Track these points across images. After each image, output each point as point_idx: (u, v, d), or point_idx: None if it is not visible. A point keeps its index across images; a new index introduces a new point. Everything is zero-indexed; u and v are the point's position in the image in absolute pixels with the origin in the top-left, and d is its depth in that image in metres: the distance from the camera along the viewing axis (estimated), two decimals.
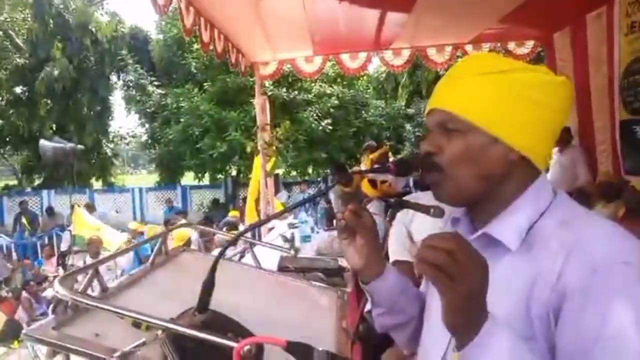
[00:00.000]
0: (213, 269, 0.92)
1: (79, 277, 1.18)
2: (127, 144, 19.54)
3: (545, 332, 0.72)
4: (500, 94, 0.78)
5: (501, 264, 0.78)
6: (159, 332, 0.81)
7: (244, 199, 9.84)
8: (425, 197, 2.33)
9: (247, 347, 0.69)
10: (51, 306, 5.28)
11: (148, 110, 14.33)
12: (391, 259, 2.49)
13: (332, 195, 5.67)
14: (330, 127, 12.45)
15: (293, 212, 7.77)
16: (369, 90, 14.16)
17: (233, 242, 1.02)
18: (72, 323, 0.93)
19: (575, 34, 4.76)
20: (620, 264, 0.69)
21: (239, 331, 0.92)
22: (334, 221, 5.04)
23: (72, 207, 11.51)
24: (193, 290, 1.03)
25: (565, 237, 0.73)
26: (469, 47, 5.34)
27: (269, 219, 1.27)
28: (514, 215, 0.79)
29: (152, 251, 1.46)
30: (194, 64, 13.64)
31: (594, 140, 4.51)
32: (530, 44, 5.33)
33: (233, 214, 7.78)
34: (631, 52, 4.00)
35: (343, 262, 3.34)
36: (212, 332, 0.83)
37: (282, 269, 2.90)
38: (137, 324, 0.86)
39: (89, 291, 1.04)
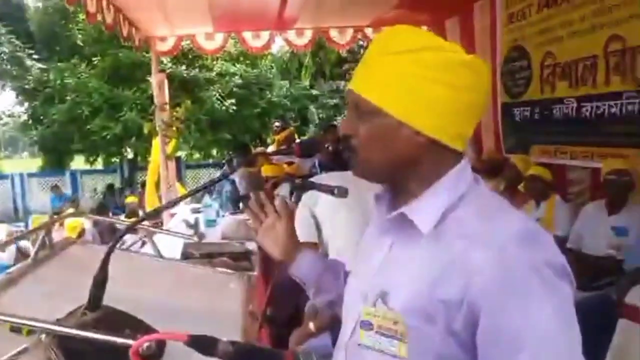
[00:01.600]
0: (105, 261, 0.84)
1: None
2: (3, 124, 17.42)
3: (447, 317, 0.71)
4: (404, 75, 0.77)
5: (413, 245, 0.79)
6: (43, 335, 0.72)
7: (143, 184, 9.31)
8: (330, 178, 2.37)
9: (146, 344, 0.64)
10: None
11: (27, 87, 12.83)
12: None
13: (236, 177, 5.57)
14: (234, 108, 12.13)
15: (196, 197, 7.52)
16: (272, 70, 14.00)
17: (128, 231, 0.94)
18: None
19: (464, 22, 5.11)
20: (540, 264, 0.69)
21: (138, 327, 0.87)
22: (240, 204, 5.02)
23: None
24: (84, 286, 0.95)
25: (480, 228, 0.74)
26: (368, 30, 5.49)
27: (170, 203, 1.20)
28: (430, 199, 0.79)
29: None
30: (80, 36, 12.43)
31: (479, 122, 4.90)
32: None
33: (131, 200, 7.33)
34: (510, 40, 4.39)
35: (250, 246, 3.30)
36: (105, 331, 0.76)
37: (187, 255, 2.79)
38: (16, 329, 0.76)
39: None
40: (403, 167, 0.81)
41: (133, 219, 5.65)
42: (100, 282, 0.83)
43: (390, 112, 0.77)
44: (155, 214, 1.46)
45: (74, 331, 0.74)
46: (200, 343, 0.61)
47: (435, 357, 0.72)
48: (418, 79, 0.76)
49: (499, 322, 0.68)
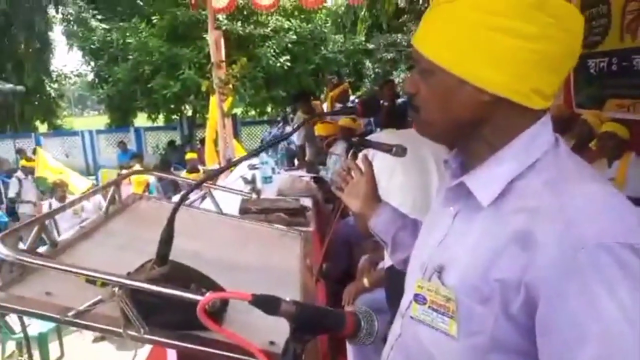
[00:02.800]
0: (171, 219, 0.87)
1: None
2: (72, 84, 18.40)
3: (503, 298, 0.65)
4: (461, 24, 0.68)
5: (475, 217, 0.72)
6: (116, 288, 0.76)
7: (202, 140, 9.60)
8: (387, 136, 2.32)
9: (212, 302, 0.66)
10: None
11: (92, 47, 13.34)
12: None
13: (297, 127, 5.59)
14: (288, 64, 12.07)
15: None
16: (327, 25, 13.68)
17: (192, 190, 0.96)
18: (21, 282, 0.87)
19: None
20: (613, 244, 0.59)
21: (202, 282, 0.89)
22: (295, 160, 5.06)
23: (19, 151, 10.93)
24: (151, 240, 0.98)
25: (548, 200, 0.65)
26: None
27: (231, 164, 1.22)
28: (495, 167, 0.71)
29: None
30: None
31: None
32: None
33: (190, 156, 7.59)
34: None
35: (305, 202, 3.35)
36: (173, 285, 0.80)
37: (244, 211, 2.88)
38: (91, 280, 0.81)
39: (41, 249, 0.98)
40: (467, 130, 0.73)
41: (194, 175, 5.88)
42: (166, 239, 0.86)
43: (447, 69, 0.69)
44: (218, 174, 1.51)
45: (145, 285, 0.77)
46: (263, 302, 0.61)
47: (488, 340, 0.66)
48: (478, 28, 0.66)
49: (560, 310, 0.60)
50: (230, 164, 1.13)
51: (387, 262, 2.31)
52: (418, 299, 0.75)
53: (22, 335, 3.43)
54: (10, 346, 3.59)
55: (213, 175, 0.98)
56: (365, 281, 2.54)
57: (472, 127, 0.72)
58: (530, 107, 0.69)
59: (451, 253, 0.74)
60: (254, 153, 1.06)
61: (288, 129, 9.10)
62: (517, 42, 0.65)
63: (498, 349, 0.66)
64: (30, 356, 2.97)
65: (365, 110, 0.90)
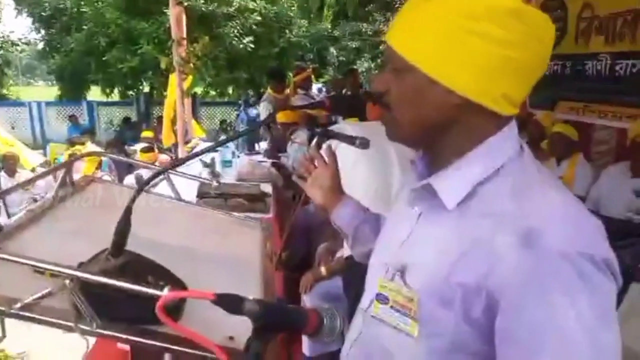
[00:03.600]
0: (128, 208, 0.83)
1: None
2: (20, 51, 17.30)
3: (464, 303, 0.65)
4: (436, 25, 0.67)
5: (438, 219, 0.73)
6: (67, 280, 0.72)
7: (159, 118, 9.29)
8: (351, 128, 2.32)
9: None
10: None
11: (43, 14, 12.58)
12: None
13: (262, 105, 5.52)
14: (252, 46, 11.83)
15: (211, 136, 7.49)
16: (293, 8, 13.49)
17: (154, 178, 0.93)
18: None
19: None
20: (574, 254, 0.60)
21: (159, 274, 0.86)
22: (255, 145, 4.98)
23: None
24: (105, 226, 0.94)
25: (511, 207, 0.65)
26: None
27: (198, 154, 1.18)
28: (461, 170, 0.71)
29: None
30: None
31: None
32: None
33: (146, 134, 7.33)
34: None
35: (265, 188, 3.32)
36: (130, 278, 0.76)
37: (202, 195, 2.82)
38: (40, 271, 0.76)
39: None
40: (435, 131, 0.72)
41: (149, 155, 5.70)
42: (123, 228, 0.82)
43: (419, 67, 0.68)
44: (182, 163, 1.46)
45: (100, 278, 0.74)
46: (227, 302, 0.60)
47: (449, 342, 0.67)
48: (454, 30, 0.66)
49: (519, 318, 0.60)
50: (197, 154, 1.08)
51: (346, 251, 2.34)
52: (380, 298, 0.76)
53: None
54: None
55: (177, 164, 0.94)
56: (323, 269, 2.55)
57: (440, 128, 0.72)
58: (498, 112, 0.69)
59: (414, 254, 0.74)
60: (223, 142, 1.01)
61: (251, 110, 8.96)
62: (492, 47, 0.65)
63: (458, 351, 0.67)
64: None
65: (335, 107, 0.88)
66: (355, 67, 9.90)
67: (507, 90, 0.68)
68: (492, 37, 0.65)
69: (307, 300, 2.53)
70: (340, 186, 1.06)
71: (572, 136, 3.57)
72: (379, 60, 11.63)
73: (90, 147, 6.19)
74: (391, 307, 0.73)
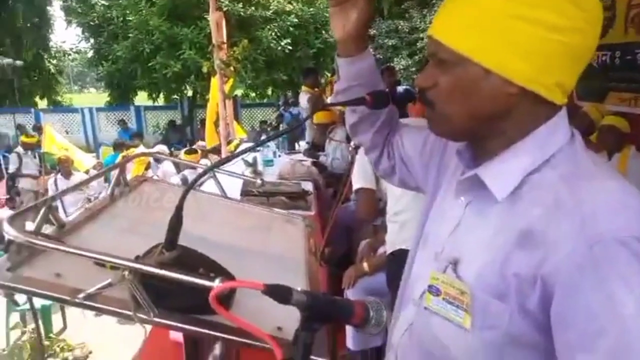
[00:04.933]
0: (180, 205, 0.87)
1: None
2: (71, 60, 18.21)
3: (520, 294, 0.65)
4: (491, 15, 0.66)
5: (488, 210, 0.72)
6: (126, 272, 0.77)
7: (202, 121, 9.55)
8: None
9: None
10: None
11: (91, 23, 13.19)
12: (355, 187, 2.51)
13: (301, 99, 5.58)
14: (289, 47, 11.96)
15: (254, 136, 7.62)
16: (329, 9, 13.51)
17: (201, 177, 0.96)
18: (29, 263, 0.87)
19: None
20: (629, 238, 0.59)
21: (210, 267, 0.90)
22: (296, 145, 5.05)
23: (19, 127, 10.88)
24: (156, 223, 0.99)
25: (564, 195, 0.64)
26: None
27: (242, 152, 1.22)
28: (511, 160, 0.70)
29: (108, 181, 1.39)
30: None
31: None
32: None
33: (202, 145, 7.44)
34: None
35: (306, 186, 3.36)
36: (183, 271, 0.80)
37: (246, 193, 2.89)
38: (101, 263, 0.81)
39: (46, 228, 0.98)
40: (486, 123, 0.71)
41: (192, 156, 5.87)
42: (175, 224, 0.86)
43: (474, 59, 0.67)
44: (226, 161, 1.50)
45: (156, 270, 0.78)
46: (276, 292, 0.62)
47: (503, 335, 0.67)
48: (506, 17, 0.65)
49: (576, 303, 0.60)
50: (241, 152, 1.12)
51: (388, 247, 2.33)
52: (432, 290, 0.76)
53: (25, 307, 3.47)
54: (14, 318, 3.64)
55: (221, 163, 0.98)
56: (365, 265, 2.56)
57: (493, 120, 0.71)
58: (551, 101, 0.68)
59: (465, 246, 0.74)
60: (261, 143, 1.03)
61: (292, 110, 9.07)
62: (548, 34, 0.64)
63: (513, 343, 0.67)
64: (38, 328, 3.02)
65: (375, 103, 0.89)
66: (392, 65, 9.79)
67: (561, 78, 0.68)
68: (548, 23, 0.64)
69: (350, 296, 2.55)
70: (366, 33, 0.97)
71: (623, 128, 3.41)
72: (416, 58, 11.47)
73: (141, 149, 6.46)
74: (443, 299, 0.73)
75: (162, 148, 6.35)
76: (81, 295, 0.78)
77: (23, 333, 3.58)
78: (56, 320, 3.87)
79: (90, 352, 3.52)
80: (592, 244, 0.59)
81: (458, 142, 0.83)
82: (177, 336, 1.17)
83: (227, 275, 0.90)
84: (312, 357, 0.68)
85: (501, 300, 0.66)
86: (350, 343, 2.50)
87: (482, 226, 0.72)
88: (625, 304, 0.58)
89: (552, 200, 0.65)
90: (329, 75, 6.74)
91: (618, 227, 0.60)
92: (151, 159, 5.78)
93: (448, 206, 0.83)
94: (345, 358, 2.57)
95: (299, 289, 0.65)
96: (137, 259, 0.84)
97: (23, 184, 7.02)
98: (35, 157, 7.12)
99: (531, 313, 0.64)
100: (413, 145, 1.00)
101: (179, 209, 0.86)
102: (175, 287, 0.80)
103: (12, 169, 7.21)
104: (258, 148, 4.31)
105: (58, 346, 3.53)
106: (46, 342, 3.53)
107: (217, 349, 1.03)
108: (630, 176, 3.33)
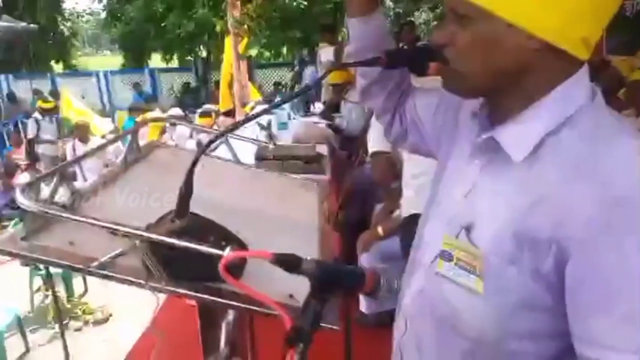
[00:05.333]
0: (190, 172, 0.86)
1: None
2: (85, 22, 18.11)
3: (534, 258, 0.65)
4: None
5: (504, 173, 0.70)
6: (137, 240, 0.77)
7: (217, 83, 9.47)
8: None
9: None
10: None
11: None
12: (371, 150, 2.48)
13: (323, 55, 5.48)
14: (305, 3, 11.65)
15: (269, 98, 7.54)
16: None
17: (213, 142, 0.95)
18: (43, 232, 0.88)
19: None
20: None
21: (221, 234, 0.90)
22: (311, 106, 4.97)
23: (36, 92, 10.98)
24: (170, 189, 0.98)
25: (583, 156, 0.63)
26: None
27: (255, 116, 1.20)
28: (529, 121, 0.68)
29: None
30: None
31: None
32: None
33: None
34: None
35: (321, 149, 3.33)
36: (194, 239, 0.80)
37: (260, 158, 2.88)
38: (113, 232, 0.82)
39: (60, 196, 0.98)
40: (506, 81, 0.68)
41: (206, 120, 5.86)
42: (185, 191, 0.85)
43: (497, 13, 0.64)
44: (237, 127, 1.47)
45: (166, 239, 0.78)
46: (284, 261, 0.61)
47: (515, 300, 0.67)
48: None
49: (591, 265, 0.60)
50: (254, 116, 1.10)
51: (403, 210, 2.32)
52: (444, 255, 0.75)
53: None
54: (38, 281, 3.77)
55: (235, 128, 0.96)
56: (380, 229, 2.55)
57: (513, 77, 0.68)
58: (575, 57, 0.65)
59: (480, 210, 0.73)
60: (274, 106, 1.00)
61: (309, 69, 8.90)
62: None
63: (526, 307, 0.67)
64: (54, 292, 3.14)
65: (391, 63, 0.85)
66: (412, 19, 9.48)
67: (586, 32, 0.64)
68: None
69: (365, 260, 2.56)
70: None
71: None
72: (437, 11, 11.06)
73: (156, 113, 6.48)
74: (455, 264, 0.73)
75: (176, 111, 6.34)
76: (94, 264, 0.78)
77: (46, 296, 3.72)
78: (78, 283, 4.00)
79: (111, 315, 3.65)
80: (610, 207, 0.59)
81: (473, 103, 0.80)
82: (193, 301, 1.19)
83: (238, 243, 0.90)
84: (322, 323, 0.69)
85: (515, 265, 0.66)
86: (364, 306, 2.53)
87: (497, 190, 0.71)
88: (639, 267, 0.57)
89: (570, 162, 0.64)
90: (345, 31, 6.56)
91: (636, 190, 0.59)
92: (166, 123, 5.79)
93: (462, 170, 0.80)
94: (359, 321, 2.61)
95: (308, 258, 0.64)
96: (148, 228, 0.84)
97: (42, 149, 7.12)
98: (52, 122, 7.18)
99: (544, 276, 0.64)
100: (426, 108, 0.97)
101: (189, 175, 0.85)
102: (186, 255, 0.80)
103: (30, 134, 7.30)
104: (273, 111, 4.27)
105: (80, 309, 3.66)
106: (68, 305, 3.66)
107: (231, 314, 1.05)
108: None
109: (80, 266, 0.78)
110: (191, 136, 5.39)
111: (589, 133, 0.65)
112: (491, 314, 0.69)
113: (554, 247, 0.62)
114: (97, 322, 3.60)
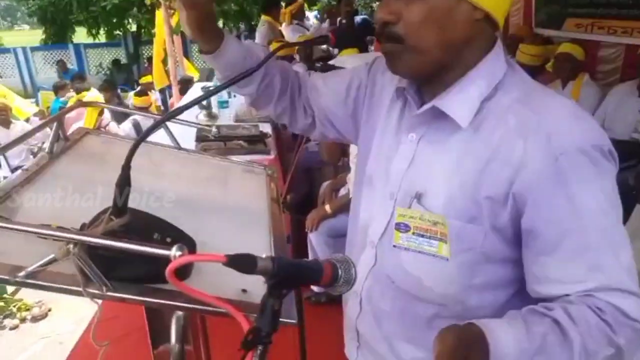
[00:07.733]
0: (127, 164, 0.79)
1: None
2: None
3: (491, 214, 0.70)
4: None
5: (447, 140, 0.74)
6: (71, 245, 0.69)
7: (149, 59, 8.96)
8: (352, 60, 2.22)
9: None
10: None
11: None
12: None
13: (259, 33, 5.33)
14: None
15: (206, 75, 7.27)
16: None
17: (153, 131, 0.88)
18: None
19: None
20: (588, 147, 0.66)
21: (166, 231, 0.84)
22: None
23: None
24: (104, 182, 0.90)
25: (524, 115, 0.69)
26: None
27: (194, 102, 1.10)
28: (466, 88, 0.73)
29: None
30: None
31: None
32: None
33: (146, 80, 6.96)
34: None
35: (264, 128, 3.25)
36: (135, 237, 0.73)
37: (201, 139, 2.76)
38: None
39: None
40: (454, 51, 0.72)
41: (143, 99, 5.55)
42: (123, 186, 0.78)
43: None
44: (177, 114, 1.35)
45: (103, 241, 0.71)
46: (239, 263, 0.57)
47: (478, 255, 0.72)
48: None
49: (544, 210, 0.66)
50: (196, 100, 1.02)
51: (350, 187, 2.32)
52: (400, 227, 0.77)
53: None
54: None
55: (174, 114, 0.88)
56: (328, 207, 2.55)
57: (458, 49, 0.72)
58: (498, 28, 0.73)
59: (427, 177, 0.76)
60: (220, 88, 0.92)
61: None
62: None
63: (487, 261, 0.72)
64: None
65: (339, 41, 0.82)
66: None
67: (508, 6, 0.73)
68: None
69: (314, 239, 2.56)
70: (217, 27, 0.87)
71: (579, 56, 3.44)
72: None
73: (92, 93, 5.96)
74: (413, 233, 0.76)
75: (95, 95, 5.83)
76: (22, 274, 0.70)
77: None
78: None
79: (50, 310, 3.44)
80: (557, 156, 0.65)
81: (386, 83, 0.86)
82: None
83: (184, 239, 0.84)
84: (281, 319, 0.66)
85: (474, 223, 0.71)
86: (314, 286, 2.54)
87: (443, 156, 0.74)
88: (586, 205, 0.65)
89: (514, 121, 0.69)
90: (283, 4, 6.38)
91: (578, 138, 0.67)
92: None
93: (393, 147, 0.83)
94: (310, 300, 2.62)
95: (263, 255, 0.60)
96: (83, 229, 0.76)
97: None
98: None
99: (502, 230, 0.70)
100: (334, 95, 0.97)
101: (126, 168, 0.78)
102: (128, 257, 0.73)
103: None
104: (211, 88, 4.11)
105: (14, 306, 3.42)
106: (1, 303, 3.41)
107: (180, 313, 0.99)
108: (583, 103, 3.40)
109: (6, 277, 0.70)
110: (126, 116, 5.10)
111: (524, 95, 0.71)
112: (456, 274, 0.73)
113: (510, 200, 0.68)
114: (35, 319, 3.38)
